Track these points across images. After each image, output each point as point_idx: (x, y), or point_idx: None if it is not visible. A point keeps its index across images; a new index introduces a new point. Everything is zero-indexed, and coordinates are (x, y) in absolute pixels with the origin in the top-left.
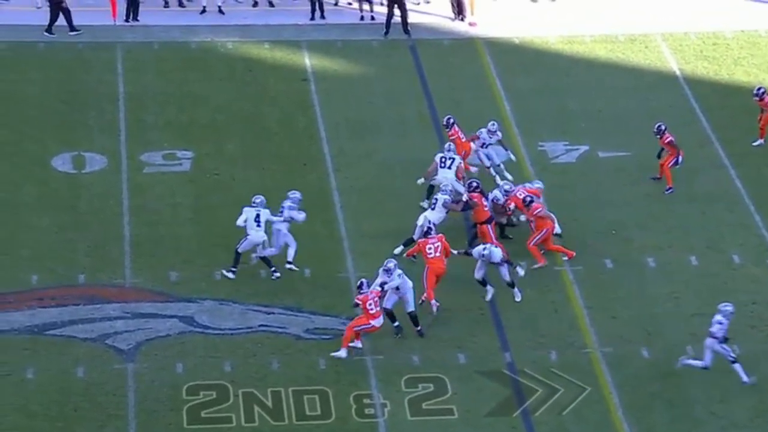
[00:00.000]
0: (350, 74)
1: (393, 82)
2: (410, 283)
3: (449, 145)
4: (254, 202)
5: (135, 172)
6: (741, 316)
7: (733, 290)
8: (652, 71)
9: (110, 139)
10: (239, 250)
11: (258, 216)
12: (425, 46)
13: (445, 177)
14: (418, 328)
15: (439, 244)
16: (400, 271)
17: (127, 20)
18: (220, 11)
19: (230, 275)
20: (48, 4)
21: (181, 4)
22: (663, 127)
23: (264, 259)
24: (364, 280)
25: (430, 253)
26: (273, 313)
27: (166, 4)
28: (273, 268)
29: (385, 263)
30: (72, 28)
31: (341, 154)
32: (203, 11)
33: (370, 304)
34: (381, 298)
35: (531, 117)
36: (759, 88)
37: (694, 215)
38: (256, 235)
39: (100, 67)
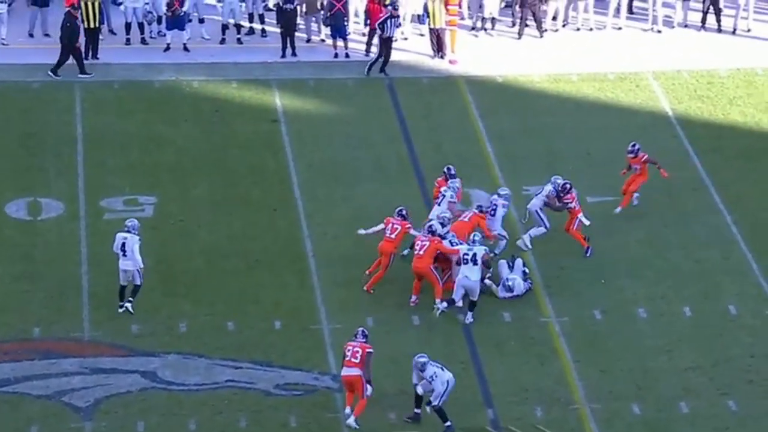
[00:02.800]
0: (324, 115)
1: (369, 123)
2: (447, 377)
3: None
4: (126, 226)
5: (94, 218)
6: (738, 370)
7: (729, 343)
8: (643, 111)
9: (68, 183)
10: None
11: (124, 244)
12: (404, 84)
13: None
14: (447, 423)
15: (427, 243)
16: (435, 369)
17: (86, 58)
18: (185, 49)
19: (127, 305)
20: (60, 44)
21: (143, 41)
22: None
23: (125, 289)
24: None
25: (415, 250)
26: (241, 367)
27: (128, 41)
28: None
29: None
30: (82, 70)
31: (314, 200)
32: (167, 48)
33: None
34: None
35: (515, 159)
36: (633, 144)
37: (688, 263)
38: (123, 263)
39: (58, 108)
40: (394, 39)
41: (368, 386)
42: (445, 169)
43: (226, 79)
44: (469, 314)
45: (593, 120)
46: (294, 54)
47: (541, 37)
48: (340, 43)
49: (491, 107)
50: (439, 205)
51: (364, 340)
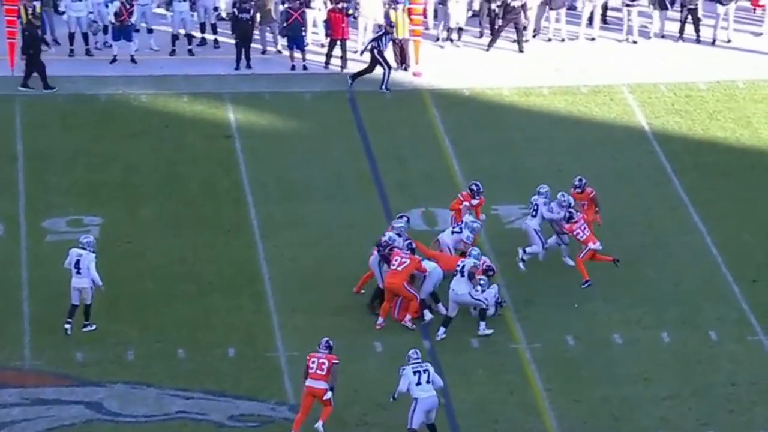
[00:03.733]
0: (280, 130)
1: (329, 138)
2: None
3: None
4: (80, 243)
5: (35, 240)
6: (719, 399)
7: (709, 370)
8: (618, 126)
9: (8, 203)
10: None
11: (79, 261)
12: (365, 98)
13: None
14: None
15: (407, 261)
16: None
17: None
18: (133, 60)
19: (88, 329)
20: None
21: (88, 53)
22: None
23: (75, 309)
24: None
25: (393, 265)
26: (192, 397)
27: (72, 53)
28: (87, 322)
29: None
30: (46, 85)
31: (270, 220)
32: (114, 60)
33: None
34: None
35: (483, 177)
36: (579, 179)
37: (665, 286)
38: (76, 281)
39: None
40: (354, 51)
41: (329, 392)
42: (473, 186)
43: (176, 92)
44: (482, 324)
45: (565, 136)
46: (249, 66)
47: (521, 51)
48: (297, 54)
49: (458, 122)
50: (454, 233)
51: (328, 351)
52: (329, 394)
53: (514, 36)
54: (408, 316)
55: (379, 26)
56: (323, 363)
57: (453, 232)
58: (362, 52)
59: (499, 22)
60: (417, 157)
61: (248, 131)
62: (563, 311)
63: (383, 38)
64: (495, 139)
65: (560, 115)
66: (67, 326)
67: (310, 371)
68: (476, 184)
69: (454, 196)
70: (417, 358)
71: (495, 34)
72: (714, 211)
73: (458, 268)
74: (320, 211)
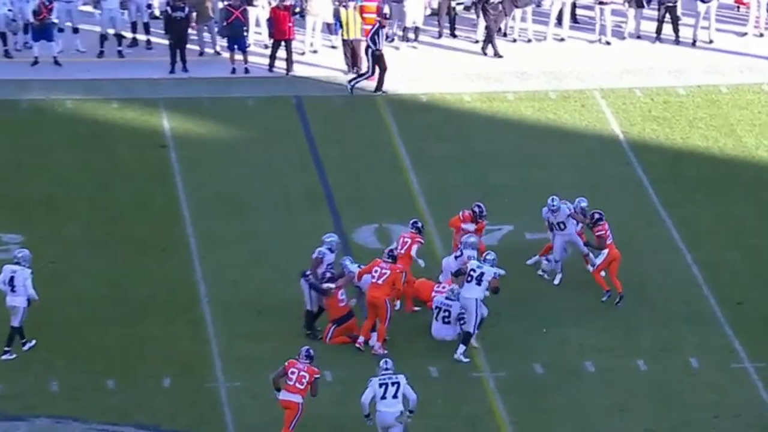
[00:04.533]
0: (220, 139)
1: (274, 148)
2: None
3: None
4: (15, 258)
5: None
6: None
7: (690, 401)
8: (590, 135)
9: None
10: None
11: (13, 278)
12: (314, 104)
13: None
14: None
15: (387, 272)
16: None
17: None
18: (57, 63)
19: (7, 357)
20: None
21: (7, 54)
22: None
23: (15, 330)
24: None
25: (373, 277)
26: None
27: None
28: (25, 340)
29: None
30: None
31: (209, 238)
32: (35, 63)
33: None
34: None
35: (443, 190)
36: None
37: (642, 309)
38: (11, 299)
39: None
40: (300, 52)
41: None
42: (476, 209)
43: (105, 98)
44: (461, 348)
45: (532, 145)
46: (185, 69)
47: (485, 53)
48: (238, 56)
49: (415, 130)
50: (457, 257)
51: (309, 361)
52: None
53: (476, 36)
54: (377, 343)
55: (381, 16)
56: (304, 376)
57: (456, 257)
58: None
59: (481, 21)
60: (370, 168)
61: (185, 140)
62: (531, 336)
63: (378, 34)
64: (455, 150)
65: (527, 123)
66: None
67: (288, 382)
68: (479, 206)
69: (411, 211)
70: (387, 369)
71: (487, 37)
72: (695, 228)
73: (473, 275)
74: (264, 228)
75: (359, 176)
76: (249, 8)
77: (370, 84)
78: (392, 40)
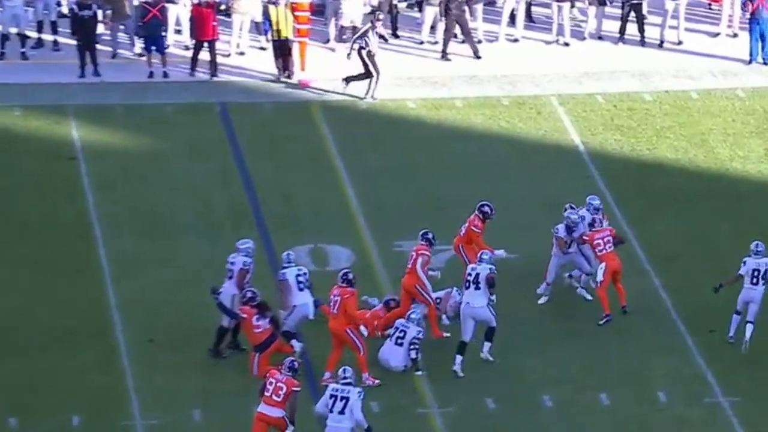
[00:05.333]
0: (136, 151)
1: (196, 160)
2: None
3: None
4: None
5: None
6: None
7: None
8: (547, 145)
9: None
10: None
11: None
12: (240, 111)
13: None
14: None
15: (338, 299)
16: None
17: None
18: None
19: None
20: None
21: None
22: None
23: None
24: None
25: (330, 305)
26: None
27: None
28: None
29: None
30: None
31: (123, 259)
32: None
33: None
34: None
35: (384, 206)
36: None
37: (605, 336)
38: None
39: None
40: (226, 53)
41: (291, 426)
42: (485, 208)
43: (6, 105)
44: (486, 345)
45: (483, 156)
46: (96, 73)
47: (478, 57)
48: (156, 58)
49: (354, 140)
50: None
51: (291, 374)
52: (291, 429)
53: (420, 36)
54: (364, 374)
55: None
56: (281, 387)
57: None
58: (349, 55)
59: (440, 21)
60: (303, 183)
61: (96, 152)
62: (482, 368)
63: (368, 34)
64: (398, 162)
65: (477, 132)
66: None
67: (265, 393)
68: (488, 205)
69: (349, 229)
70: (343, 379)
71: (445, 38)
72: (663, 247)
73: (469, 279)
74: (185, 249)
75: (291, 192)
76: (168, 5)
77: (305, 90)
78: (327, 41)
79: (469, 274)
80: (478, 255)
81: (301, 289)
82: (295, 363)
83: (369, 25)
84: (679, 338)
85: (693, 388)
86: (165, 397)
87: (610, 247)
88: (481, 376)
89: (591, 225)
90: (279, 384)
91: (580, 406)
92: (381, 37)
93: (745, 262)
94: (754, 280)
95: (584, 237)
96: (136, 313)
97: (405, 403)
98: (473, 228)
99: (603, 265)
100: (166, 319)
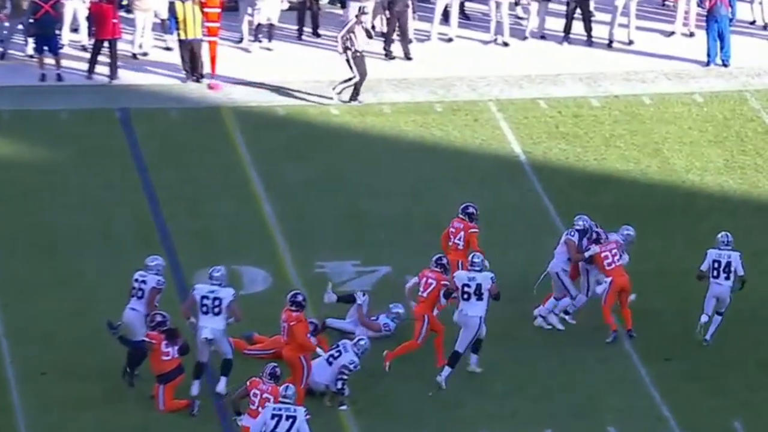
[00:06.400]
0: (26, 161)
1: (95, 172)
2: None
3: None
4: None
5: None
6: None
7: None
8: (484, 155)
9: None
10: None
11: None
12: (144, 118)
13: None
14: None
15: (285, 324)
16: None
17: None
18: None
19: None
20: None
21: None
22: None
23: None
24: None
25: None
26: None
27: None
28: None
29: None
30: None
31: (14, 282)
32: None
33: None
34: None
35: (304, 223)
36: (466, 206)
37: (552, 368)
38: None
39: None
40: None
41: None
42: (470, 210)
43: None
44: (474, 357)
45: (414, 167)
46: None
47: (409, 58)
48: (49, 59)
49: (270, 150)
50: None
51: (275, 381)
52: None
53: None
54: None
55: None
56: (268, 399)
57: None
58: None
59: (378, 21)
60: (214, 197)
61: None
62: (415, 402)
63: (356, 29)
64: (320, 173)
65: (407, 141)
66: None
67: (251, 407)
68: (473, 206)
69: (267, 249)
70: (284, 397)
71: (387, 40)
72: None
73: (469, 290)
74: (83, 270)
75: (201, 206)
76: (63, 1)
77: (214, 94)
78: (241, 40)
79: (468, 285)
80: (470, 259)
81: (204, 312)
82: (277, 370)
83: (354, 20)
84: (631, 368)
85: (646, 422)
86: None
87: (618, 260)
88: (413, 410)
89: (597, 240)
90: (265, 395)
91: None
92: (368, 34)
93: (706, 254)
94: (715, 273)
95: (592, 255)
96: (27, 342)
97: None
98: (472, 230)
99: (608, 280)
100: (61, 349)
